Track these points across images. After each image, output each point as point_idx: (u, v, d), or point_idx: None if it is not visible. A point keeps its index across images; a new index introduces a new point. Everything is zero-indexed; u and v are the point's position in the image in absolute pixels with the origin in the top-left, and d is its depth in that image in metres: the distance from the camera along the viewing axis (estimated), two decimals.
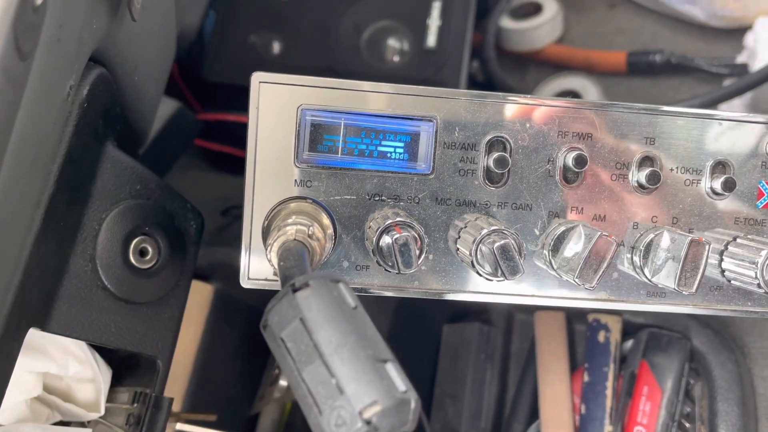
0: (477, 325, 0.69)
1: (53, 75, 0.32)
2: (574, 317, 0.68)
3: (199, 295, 0.65)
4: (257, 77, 0.38)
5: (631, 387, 0.62)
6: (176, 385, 0.63)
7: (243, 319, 0.68)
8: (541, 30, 0.94)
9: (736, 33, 0.80)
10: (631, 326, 0.65)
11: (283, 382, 0.66)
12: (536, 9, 0.95)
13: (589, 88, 0.89)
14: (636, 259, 0.41)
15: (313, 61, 0.78)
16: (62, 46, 0.32)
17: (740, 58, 0.79)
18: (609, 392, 0.62)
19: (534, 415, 0.67)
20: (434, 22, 0.80)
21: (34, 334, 0.40)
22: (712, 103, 0.71)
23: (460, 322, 0.71)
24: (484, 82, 0.92)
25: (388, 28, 0.80)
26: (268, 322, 0.29)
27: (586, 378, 0.63)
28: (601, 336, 0.64)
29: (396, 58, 0.79)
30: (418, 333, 0.73)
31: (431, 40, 0.80)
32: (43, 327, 0.41)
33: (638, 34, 0.91)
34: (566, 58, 0.93)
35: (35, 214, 0.37)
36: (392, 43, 0.80)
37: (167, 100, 0.74)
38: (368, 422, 0.26)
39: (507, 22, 0.94)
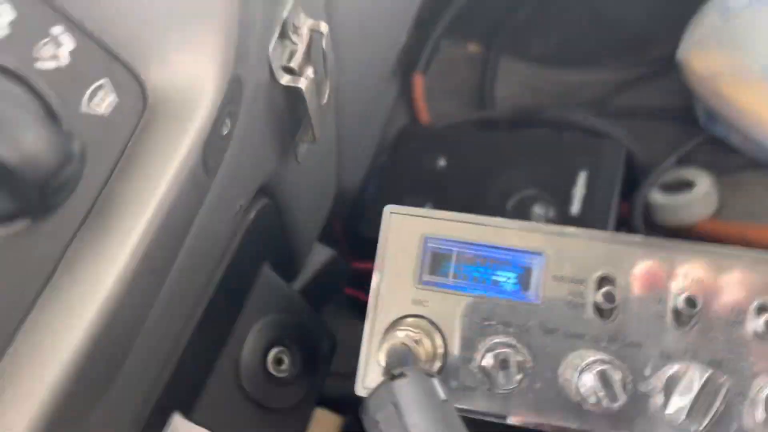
0: None
1: (229, 192, 0.41)
2: None
3: (328, 425, 0.68)
4: (388, 209, 0.45)
5: None
6: None
7: None
8: (692, 206, 0.92)
9: None
10: None
11: None
12: (688, 184, 0.95)
13: None
14: (758, 413, 0.39)
15: None
16: (239, 171, 0.41)
17: None
18: None
19: None
20: (579, 190, 0.84)
21: (176, 422, 0.46)
22: None
23: None
24: None
25: (533, 195, 0.85)
26: (367, 406, 0.32)
27: None
28: None
29: None
30: None
31: (575, 207, 0.84)
32: (187, 417, 0.47)
33: None
34: (720, 235, 0.91)
35: (195, 311, 0.44)
36: (537, 210, 0.85)
37: (323, 248, 0.82)
38: None
39: (657, 196, 0.95)
